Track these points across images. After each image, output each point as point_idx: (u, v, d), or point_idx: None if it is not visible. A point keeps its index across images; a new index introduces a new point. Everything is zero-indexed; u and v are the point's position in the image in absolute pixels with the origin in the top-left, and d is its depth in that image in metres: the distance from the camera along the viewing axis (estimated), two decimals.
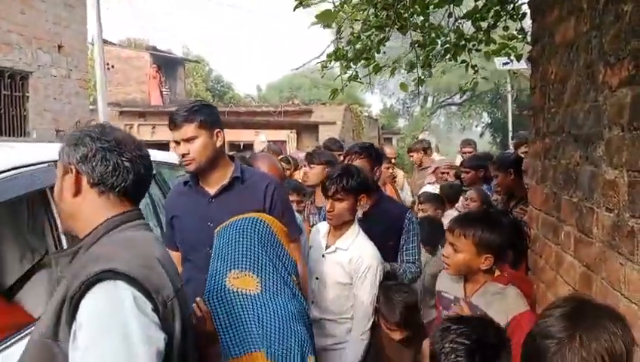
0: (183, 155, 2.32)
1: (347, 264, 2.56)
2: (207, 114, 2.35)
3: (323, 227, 2.77)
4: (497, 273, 2.13)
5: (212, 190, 2.40)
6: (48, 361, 1.19)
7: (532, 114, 2.74)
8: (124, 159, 1.37)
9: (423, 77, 4.00)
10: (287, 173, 4.65)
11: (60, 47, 7.94)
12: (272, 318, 1.72)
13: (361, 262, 2.53)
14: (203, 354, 1.56)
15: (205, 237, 2.17)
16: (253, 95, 32.74)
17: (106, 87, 9.01)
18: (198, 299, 1.70)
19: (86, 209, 1.37)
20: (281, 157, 5.28)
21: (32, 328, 1.92)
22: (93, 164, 1.35)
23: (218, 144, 2.38)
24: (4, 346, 1.82)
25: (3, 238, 2.44)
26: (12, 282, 2.42)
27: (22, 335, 1.90)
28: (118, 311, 1.16)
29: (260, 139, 13.97)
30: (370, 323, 2.54)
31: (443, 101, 29.59)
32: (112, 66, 18.15)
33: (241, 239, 1.84)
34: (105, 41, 9.90)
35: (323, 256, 2.64)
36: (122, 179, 1.37)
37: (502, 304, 2.00)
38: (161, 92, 19.62)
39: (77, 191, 1.36)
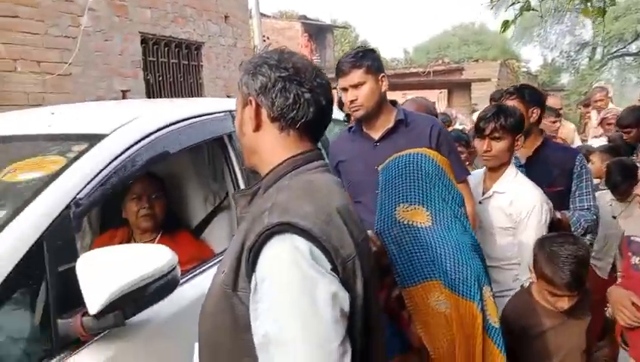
0: (352, 102, 2.37)
1: (508, 207, 2.41)
2: (373, 59, 2.40)
3: (477, 174, 2.66)
4: None
5: (376, 135, 2.45)
6: (228, 310, 1.16)
7: None
8: (304, 90, 1.24)
9: (605, 6, 3.50)
10: None
11: (226, 17, 8.49)
12: (445, 250, 1.67)
13: (523, 204, 2.37)
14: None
15: (373, 180, 2.16)
16: (400, 58, 32.26)
17: None
18: (371, 234, 1.66)
19: (266, 145, 1.28)
20: None
21: (216, 260, 2.15)
22: (273, 95, 1.23)
23: (383, 89, 2.43)
24: (197, 272, 2.04)
25: (189, 182, 2.70)
26: (198, 222, 2.67)
27: (208, 265, 2.11)
28: (298, 268, 1.07)
29: None
30: None
31: (615, 51, 26.26)
32: (268, 38, 19.06)
33: (408, 173, 1.79)
34: (261, 14, 10.41)
35: (480, 202, 2.51)
36: (303, 112, 1.24)
37: None
38: (312, 60, 20.23)
39: (257, 126, 1.27)
